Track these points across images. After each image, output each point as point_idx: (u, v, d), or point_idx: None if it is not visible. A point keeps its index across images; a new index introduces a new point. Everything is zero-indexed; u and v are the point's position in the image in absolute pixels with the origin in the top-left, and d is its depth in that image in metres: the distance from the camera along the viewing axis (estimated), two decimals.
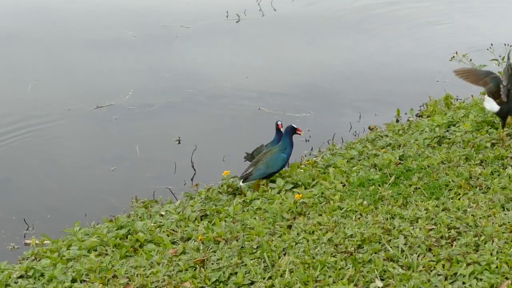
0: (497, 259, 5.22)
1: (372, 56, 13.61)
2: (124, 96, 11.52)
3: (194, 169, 9.25)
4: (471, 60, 10.21)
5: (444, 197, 6.49)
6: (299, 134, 7.91)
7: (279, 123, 8.28)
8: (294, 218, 6.54)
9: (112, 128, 10.59)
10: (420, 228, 5.85)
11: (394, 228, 5.92)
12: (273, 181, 7.61)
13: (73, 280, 5.82)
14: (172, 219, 6.98)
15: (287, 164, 8.04)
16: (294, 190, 7.27)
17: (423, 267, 5.30)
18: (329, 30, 15.40)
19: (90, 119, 10.90)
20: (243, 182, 7.68)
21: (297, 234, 6.09)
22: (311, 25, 15.82)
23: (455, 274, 5.18)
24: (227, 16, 16.00)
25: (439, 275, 5.19)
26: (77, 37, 14.56)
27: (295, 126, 7.84)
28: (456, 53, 10.27)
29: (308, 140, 9.99)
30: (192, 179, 9.02)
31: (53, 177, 9.14)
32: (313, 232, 6.08)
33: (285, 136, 7.83)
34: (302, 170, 7.93)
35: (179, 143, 10.09)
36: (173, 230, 6.68)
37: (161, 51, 13.98)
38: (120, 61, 13.32)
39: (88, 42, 14.21)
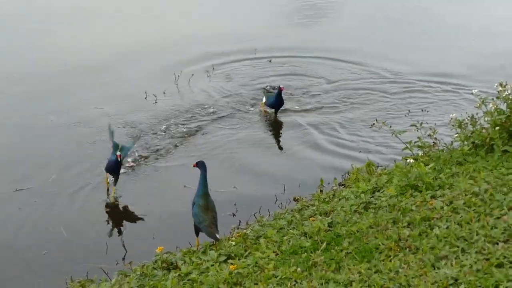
0: None
1: None
2: None
3: (125, 249, 9.21)
4: (390, 126, 10.62)
5: (375, 259, 6.63)
6: None
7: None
8: None
9: None
10: None
11: None
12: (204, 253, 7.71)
13: None
14: None
15: None
16: (228, 261, 7.32)
17: None
18: None
19: None
20: None
21: None
22: None
23: None
24: None
25: None
26: None
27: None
28: (376, 120, 10.67)
29: (235, 215, 10.06)
30: (123, 258, 8.92)
31: None
32: None
33: None
34: (233, 243, 7.98)
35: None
36: None
37: None
38: None
39: None
